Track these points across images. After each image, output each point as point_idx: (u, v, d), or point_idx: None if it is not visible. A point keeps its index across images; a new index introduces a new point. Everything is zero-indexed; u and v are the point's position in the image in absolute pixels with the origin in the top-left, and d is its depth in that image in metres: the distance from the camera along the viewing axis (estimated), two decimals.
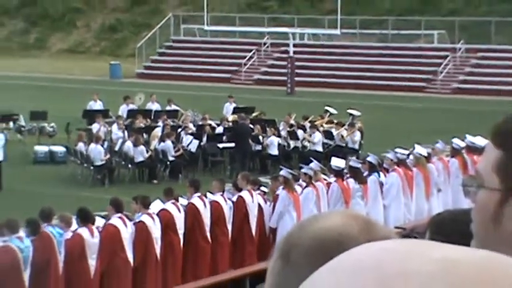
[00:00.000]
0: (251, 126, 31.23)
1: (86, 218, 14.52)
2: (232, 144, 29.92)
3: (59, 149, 31.81)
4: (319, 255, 1.47)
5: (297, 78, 53.43)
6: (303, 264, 1.51)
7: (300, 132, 30.71)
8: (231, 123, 32.30)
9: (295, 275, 1.50)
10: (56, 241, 13.79)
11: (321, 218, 1.63)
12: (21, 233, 13.66)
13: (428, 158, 20.63)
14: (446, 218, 3.21)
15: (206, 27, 61.40)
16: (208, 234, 16.27)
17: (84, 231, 14.26)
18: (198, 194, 16.58)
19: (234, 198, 17.08)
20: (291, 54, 54.37)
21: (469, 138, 21.60)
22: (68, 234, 14.16)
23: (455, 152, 21.52)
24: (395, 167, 19.77)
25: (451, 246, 1.17)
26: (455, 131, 24.87)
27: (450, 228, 2.91)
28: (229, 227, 16.72)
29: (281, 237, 1.62)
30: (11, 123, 34.57)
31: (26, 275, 13.48)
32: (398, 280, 1.11)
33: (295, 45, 55.90)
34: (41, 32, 75.65)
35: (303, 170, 18.71)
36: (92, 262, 14.26)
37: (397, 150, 20.61)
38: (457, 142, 21.86)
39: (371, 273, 1.13)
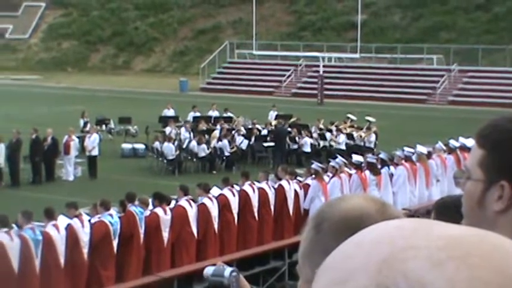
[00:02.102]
0: (289, 129, 31.20)
1: (160, 200, 14.57)
2: (274, 143, 30.01)
3: (140, 146, 31.97)
4: (344, 228, 1.48)
5: (325, 92, 53.65)
6: (331, 234, 1.52)
7: (327, 135, 30.63)
8: (273, 127, 32.25)
9: (323, 242, 1.50)
10: (138, 218, 13.86)
11: (347, 198, 1.64)
12: (112, 210, 13.75)
13: (429, 155, 20.47)
14: (447, 201, 3.21)
15: (255, 52, 61.73)
16: (256, 214, 16.24)
17: (159, 210, 14.30)
18: (248, 182, 16.57)
19: (276, 186, 17.04)
20: (321, 73, 54.64)
21: (462, 139, 21.41)
22: (147, 213, 14.20)
23: (450, 151, 21.33)
24: (403, 161, 19.63)
25: (451, 225, 1.16)
26: (451, 134, 24.65)
27: (451, 210, 2.90)
28: (272, 208, 16.69)
29: (314, 212, 1.63)
30: (104, 126, 34.82)
31: (115, 244, 13.57)
32: (409, 252, 1.10)
33: (324, 66, 56.02)
34: (127, 56, 76.18)
35: (330, 164, 18.68)
36: (165, 234, 14.29)
37: (405, 148, 20.47)
38: (452, 143, 21.71)
39: (387, 246, 1.12)
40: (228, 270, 3.64)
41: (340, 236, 1.33)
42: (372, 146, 30.12)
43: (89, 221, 13.40)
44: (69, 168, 27.07)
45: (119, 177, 27.18)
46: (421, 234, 1.12)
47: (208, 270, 3.66)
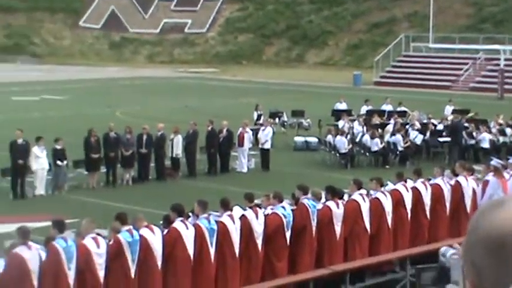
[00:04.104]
0: (466, 124, 30.35)
1: (333, 193, 14.53)
2: (449, 139, 29.31)
3: (313, 139, 32.10)
4: None
5: (505, 86, 51.84)
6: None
7: (508, 130, 29.58)
8: (449, 122, 31.46)
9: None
10: (311, 211, 13.89)
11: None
12: (285, 203, 13.85)
13: None
14: None
15: (431, 45, 60.49)
16: (427, 212, 15.86)
17: (331, 204, 14.26)
18: (421, 179, 16.22)
19: (452, 182, 16.58)
20: (502, 66, 52.87)
21: None
22: (319, 206, 14.20)
23: None
24: None
25: None
26: None
27: None
28: (448, 204, 16.26)
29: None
30: (277, 119, 35.24)
31: (288, 235, 13.66)
32: None
33: (505, 59, 54.14)
34: (301, 49, 76.79)
35: (510, 161, 17.98)
36: (338, 228, 14.24)
37: None
38: None
39: None
40: (450, 251, 3.62)
41: None
42: None
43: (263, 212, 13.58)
44: (243, 160, 27.58)
45: (291, 169, 27.42)
46: None
47: (444, 250, 3.66)
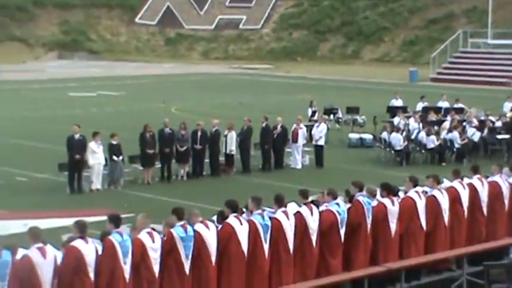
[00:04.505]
0: None
1: (388, 191, 14.41)
2: (508, 136, 28.87)
3: (368, 136, 31.96)
4: None
5: None
6: None
7: None
8: (508, 119, 30.98)
9: None
10: (366, 208, 13.80)
11: None
12: (339, 200, 13.78)
13: None
14: None
15: (489, 41, 59.69)
16: (484, 209, 15.62)
17: (386, 201, 14.14)
18: (478, 176, 15.98)
19: (511, 180, 16.31)
20: None
21: None
22: (374, 203, 14.10)
23: None
24: None
25: None
26: None
27: None
28: (507, 202, 15.99)
29: None
30: (332, 116, 35.14)
31: (342, 232, 13.59)
32: None
33: None
34: (356, 45, 76.41)
35: None
36: (393, 226, 14.11)
37: None
38: None
39: None
40: None
41: None
42: None
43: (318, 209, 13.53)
44: (297, 157, 27.56)
45: (345, 166, 27.34)
46: None
47: None
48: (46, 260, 10.60)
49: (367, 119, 35.15)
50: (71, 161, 23.27)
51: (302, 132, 27.79)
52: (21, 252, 10.80)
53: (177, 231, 11.91)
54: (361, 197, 13.86)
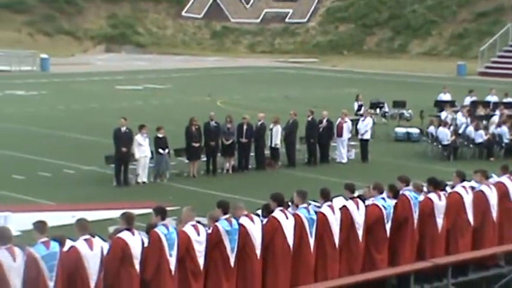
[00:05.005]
0: None
1: (435, 185, 14.28)
2: None
3: (414, 130, 31.77)
4: None
5: None
6: None
7: None
8: None
9: None
10: (412, 203, 13.70)
11: None
12: (385, 194, 13.69)
13: None
14: None
15: None
16: None
17: (433, 196, 14.02)
18: None
19: None
20: None
21: None
22: (421, 198, 13.99)
23: None
24: None
25: None
26: None
27: None
28: None
29: None
30: (378, 110, 34.97)
31: (388, 227, 13.51)
32: None
33: None
34: (403, 39, 75.76)
35: None
36: (440, 221, 13.96)
37: None
38: None
39: None
40: None
41: None
42: None
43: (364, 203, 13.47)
44: (342, 151, 27.47)
45: (391, 160, 27.18)
46: None
47: None
48: (93, 252, 10.72)
49: (413, 113, 34.90)
50: (118, 153, 23.47)
51: (347, 126, 27.68)
52: (68, 244, 10.94)
53: (222, 225, 11.94)
54: (408, 192, 13.76)
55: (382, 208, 13.36)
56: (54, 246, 10.41)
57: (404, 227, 13.63)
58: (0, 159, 26.50)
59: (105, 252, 10.96)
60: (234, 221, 12.08)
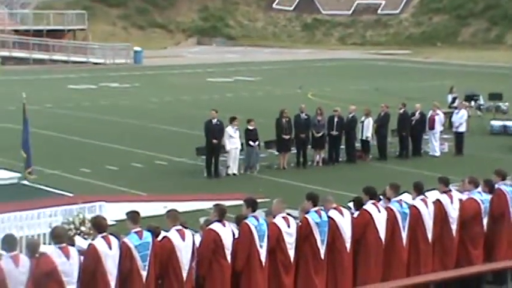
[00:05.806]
0: None
1: None
2: None
3: (511, 123, 31.01)
4: None
5: None
6: None
7: None
8: None
9: None
10: (509, 197, 13.36)
11: None
12: (480, 188, 13.40)
13: None
14: None
15: None
16: None
17: None
18: None
19: None
20: None
21: None
22: None
23: None
24: None
25: None
26: None
27: None
28: None
29: None
30: (473, 102, 34.30)
31: (485, 222, 13.22)
32: None
33: None
34: (500, 30, 74.00)
35: None
36: None
37: None
38: None
39: None
40: None
41: None
42: None
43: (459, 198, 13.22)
44: (435, 143, 27.06)
45: (486, 154, 26.63)
46: None
47: None
48: (185, 243, 10.83)
49: (510, 106, 34.08)
50: (209, 145, 23.69)
51: (439, 118, 27.24)
52: (161, 234, 11.09)
53: (312, 217, 11.91)
54: (504, 186, 13.43)
55: (480, 202, 13.08)
56: (147, 236, 10.57)
57: (501, 222, 13.31)
58: (94, 150, 27.13)
59: (196, 243, 11.07)
60: (323, 213, 12.02)
